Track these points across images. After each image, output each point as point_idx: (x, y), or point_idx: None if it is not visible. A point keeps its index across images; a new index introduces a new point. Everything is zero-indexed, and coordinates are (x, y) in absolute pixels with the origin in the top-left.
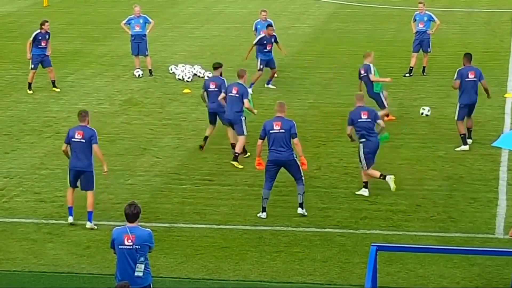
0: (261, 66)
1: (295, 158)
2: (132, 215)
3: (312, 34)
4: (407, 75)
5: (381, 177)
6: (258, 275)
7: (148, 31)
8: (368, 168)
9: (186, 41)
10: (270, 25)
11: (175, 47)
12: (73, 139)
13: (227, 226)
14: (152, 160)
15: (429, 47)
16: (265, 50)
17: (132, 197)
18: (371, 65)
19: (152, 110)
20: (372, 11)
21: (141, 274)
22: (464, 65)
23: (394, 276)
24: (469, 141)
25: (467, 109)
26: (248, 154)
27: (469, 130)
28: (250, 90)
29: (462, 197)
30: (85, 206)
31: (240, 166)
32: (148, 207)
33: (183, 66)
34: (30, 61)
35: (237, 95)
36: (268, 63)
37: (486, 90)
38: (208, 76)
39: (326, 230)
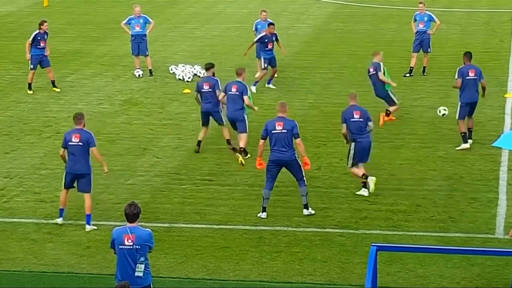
0: (265, 65)
1: (297, 159)
2: (132, 215)
3: (312, 34)
4: (407, 75)
5: (363, 177)
6: (258, 275)
7: (148, 31)
8: (352, 167)
9: (186, 41)
10: (271, 23)
11: (175, 47)
12: (70, 143)
13: (227, 226)
14: (152, 160)
15: (429, 47)
16: (267, 48)
17: (132, 197)
18: (381, 63)
19: (152, 110)
20: (372, 11)
21: (141, 274)
22: (464, 64)
23: (394, 276)
24: (469, 141)
25: (468, 108)
26: (249, 155)
27: (469, 130)
28: (254, 89)
29: (462, 197)
30: (85, 206)
31: (244, 161)
32: (148, 207)
33: (183, 66)
34: (30, 61)
35: (237, 93)
36: (270, 61)
37: (483, 89)
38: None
39: (326, 230)
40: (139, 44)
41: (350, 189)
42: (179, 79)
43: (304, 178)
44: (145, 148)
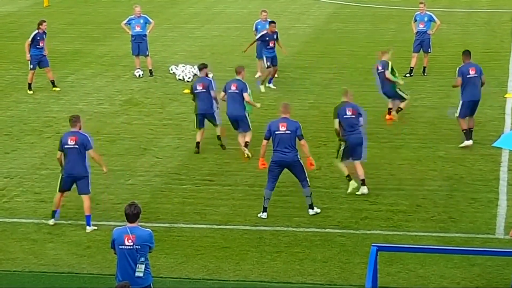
0: (268, 64)
1: (300, 160)
2: (132, 215)
3: (312, 34)
4: (408, 75)
5: (347, 178)
6: (258, 275)
7: (148, 31)
8: (342, 161)
9: (186, 41)
10: (272, 22)
11: (175, 47)
12: (66, 146)
13: (228, 226)
14: (153, 160)
15: (430, 47)
16: (269, 47)
17: (133, 197)
18: (389, 62)
19: (152, 110)
20: (372, 11)
21: (141, 274)
22: (464, 62)
23: (394, 277)
24: (470, 141)
25: (470, 106)
26: (247, 153)
27: (470, 130)
28: (262, 88)
29: (462, 197)
30: (84, 208)
31: (250, 154)
32: (149, 207)
33: (183, 66)
34: (29, 61)
35: (236, 91)
36: (272, 60)
37: (481, 85)
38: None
39: (327, 230)
40: (139, 44)
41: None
42: (179, 79)
43: (307, 179)
44: (145, 148)
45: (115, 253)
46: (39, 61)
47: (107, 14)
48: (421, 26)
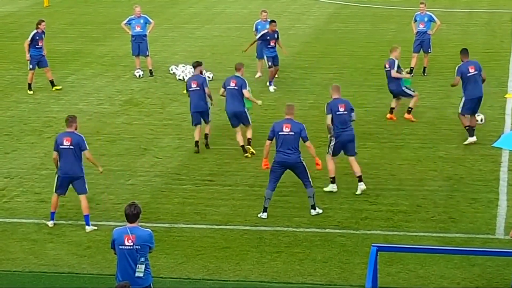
0: (270, 63)
1: (302, 161)
2: (132, 215)
3: (312, 35)
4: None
5: (331, 179)
6: (258, 275)
7: (148, 31)
8: (332, 157)
9: (186, 41)
10: (273, 21)
11: (175, 47)
12: (61, 146)
13: (228, 227)
14: (153, 160)
15: (430, 47)
16: (269, 46)
17: (133, 198)
18: (396, 60)
19: (152, 110)
20: (372, 11)
21: (141, 274)
22: (462, 61)
23: (394, 277)
24: (474, 138)
25: (473, 104)
26: (248, 154)
27: (472, 128)
28: (272, 89)
29: (462, 197)
30: (82, 208)
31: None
32: (149, 207)
33: (183, 66)
34: (29, 62)
35: (236, 88)
36: (273, 59)
37: (483, 81)
38: (208, 76)
39: (327, 230)
40: (139, 44)
41: (351, 190)
42: (180, 79)
43: (310, 180)
44: (146, 148)
45: (115, 253)
46: (38, 61)
47: (107, 14)
48: (421, 26)
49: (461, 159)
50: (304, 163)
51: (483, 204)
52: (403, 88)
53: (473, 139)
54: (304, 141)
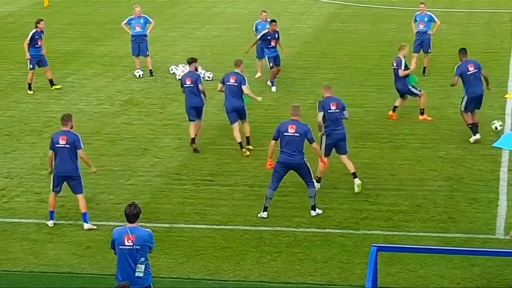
0: (271, 64)
1: (306, 162)
2: (132, 215)
3: (312, 35)
4: None
5: (317, 179)
6: (258, 275)
7: (148, 31)
8: (325, 156)
9: (186, 41)
10: (273, 20)
11: (175, 47)
12: (57, 145)
13: (228, 227)
14: (153, 160)
15: (430, 47)
16: (270, 46)
17: (133, 198)
18: (403, 59)
19: (152, 110)
20: (373, 11)
21: (141, 274)
22: (461, 61)
23: (394, 277)
24: (477, 135)
25: (475, 101)
26: (247, 152)
27: (475, 124)
28: (274, 89)
29: (462, 197)
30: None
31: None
32: (149, 207)
33: (183, 66)
34: (28, 61)
35: (235, 84)
36: (275, 59)
37: (486, 80)
38: (208, 76)
39: (327, 230)
40: (139, 44)
41: (351, 190)
42: (180, 79)
43: (313, 180)
44: (146, 148)
45: (115, 253)
46: (38, 61)
47: (108, 14)
48: (421, 26)
49: (461, 159)
50: (307, 164)
51: (483, 204)
52: (410, 87)
53: (478, 137)
54: (310, 143)
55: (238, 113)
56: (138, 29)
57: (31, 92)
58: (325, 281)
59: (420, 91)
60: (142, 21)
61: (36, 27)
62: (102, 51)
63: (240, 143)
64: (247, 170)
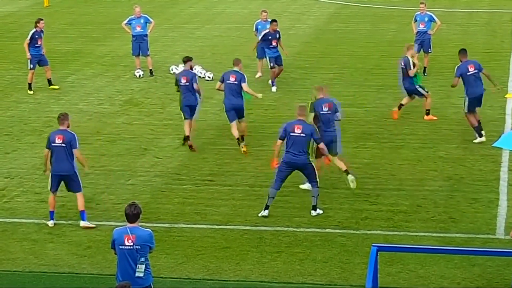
0: (272, 64)
1: (311, 162)
2: (132, 215)
3: (312, 35)
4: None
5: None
6: (258, 275)
7: (149, 31)
8: (316, 158)
9: (186, 41)
10: (274, 20)
11: (175, 47)
12: (53, 144)
13: (228, 227)
14: (153, 160)
15: (430, 47)
16: (271, 46)
17: (133, 198)
18: (411, 59)
19: (152, 110)
20: (373, 11)
21: (141, 274)
22: (461, 61)
23: (395, 277)
24: (482, 132)
25: (476, 101)
26: (244, 148)
27: (480, 126)
28: (274, 89)
29: (463, 197)
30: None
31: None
32: (149, 207)
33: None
34: (29, 61)
35: (235, 82)
36: (276, 60)
37: (489, 78)
38: (209, 77)
39: (327, 230)
40: (140, 44)
41: (351, 190)
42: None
43: (317, 180)
44: (146, 148)
45: (115, 253)
46: (39, 60)
47: (108, 14)
48: (421, 26)
49: (462, 159)
50: (312, 164)
51: (484, 204)
52: (417, 86)
53: (483, 139)
54: (317, 143)
55: (237, 112)
56: (138, 29)
57: (31, 92)
58: (326, 281)
59: (427, 91)
60: (142, 21)
61: (35, 26)
62: (102, 51)
63: (237, 138)
64: (247, 170)
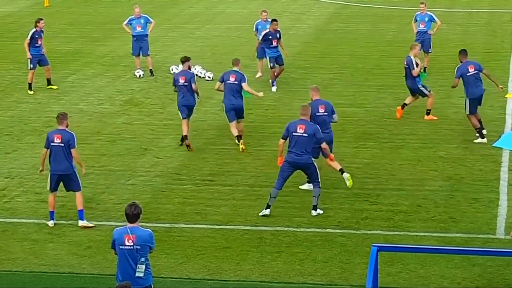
0: (272, 64)
1: (313, 162)
2: (132, 215)
3: (312, 35)
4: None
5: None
6: (259, 275)
7: (149, 31)
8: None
9: (187, 41)
10: (274, 20)
11: (175, 47)
12: (52, 144)
13: (228, 227)
14: (153, 160)
15: (430, 47)
16: (272, 46)
17: (133, 198)
18: (413, 58)
19: (153, 110)
20: (373, 11)
21: (142, 274)
22: (461, 62)
23: (395, 277)
24: (483, 131)
25: (476, 103)
26: (242, 146)
27: (481, 127)
28: (274, 89)
29: (463, 197)
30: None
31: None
32: (149, 207)
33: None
34: (29, 61)
35: (236, 82)
36: (277, 59)
37: (490, 78)
38: (209, 77)
39: (327, 230)
40: (140, 44)
41: (351, 190)
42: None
43: (319, 180)
44: (146, 148)
45: (115, 253)
46: (39, 60)
47: (108, 14)
48: (421, 26)
49: (462, 159)
50: (315, 164)
51: (484, 204)
52: (420, 85)
53: (484, 141)
54: (320, 143)
55: (236, 112)
56: (139, 29)
57: (32, 92)
58: (326, 281)
59: (429, 91)
60: (142, 21)
61: (35, 26)
62: (103, 51)
63: (236, 136)
64: (248, 170)
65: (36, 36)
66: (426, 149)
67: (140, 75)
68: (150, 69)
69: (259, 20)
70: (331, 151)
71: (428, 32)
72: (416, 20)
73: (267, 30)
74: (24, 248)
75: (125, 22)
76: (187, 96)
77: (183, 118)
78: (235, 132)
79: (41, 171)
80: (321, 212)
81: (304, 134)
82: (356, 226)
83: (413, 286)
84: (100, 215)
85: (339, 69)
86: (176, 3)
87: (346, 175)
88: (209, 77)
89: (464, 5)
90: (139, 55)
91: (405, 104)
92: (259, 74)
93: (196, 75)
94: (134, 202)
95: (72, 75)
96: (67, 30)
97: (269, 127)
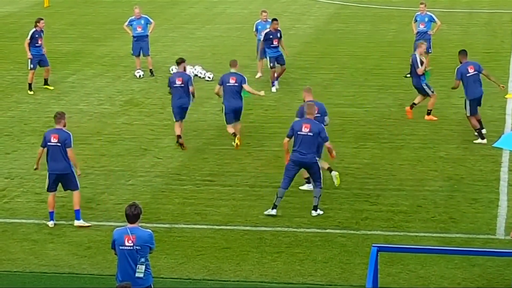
0: (271, 64)
1: (317, 162)
2: (132, 215)
3: (313, 35)
4: (408, 75)
5: (306, 179)
6: (259, 275)
7: (149, 31)
8: None
9: (187, 41)
10: (275, 19)
11: (176, 47)
12: (49, 143)
13: (228, 227)
14: (153, 160)
15: (430, 47)
16: (272, 45)
17: (133, 198)
18: (418, 57)
19: (153, 110)
20: (373, 11)
21: (141, 275)
22: (461, 62)
23: (395, 277)
24: (483, 131)
25: (476, 103)
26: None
27: (481, 128)
28: (274, 89)
29: (463, 197)
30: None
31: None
32: (149, 207)
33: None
34: (29, 61)
35: (236, 84)
36: (277, 59)
37: (490, 78)
38: (209, 77)
39: (327, 231)
40: (141, 45)
41: (351, 190)
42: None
43: (321, 181)
44: (146, 148)
45: (115, 254)
46: (40, 60)
47: (108, 14)
48: (421, 27)
49: (462, 159)
50: (318, 164)
51: (484, 204)
52: (423, 84)
53: (484, 142)
54: (324, 142)
55: (235, 114)
56: (139, 30)
57: (32, 92)
58: (326, 282)
59: (433, 92)
60: (143, 22)
61: (35, 26)
62: (103, 51)
63: (233, 133)
64: (248, 170)
65: (36, 36)
66: (426, 149)
67: (140, 76)
68: (150, 70)
69: (259, 20)
70: (321, 153)
71: (428, 32)
72: (416, 21)
73: (268, 30)
74: (24, 249)
75: (126, 23)
76: (183, 97)
77: (176, 121)
78: (231, 130)
79: (35, 169)
80: (321, 212)
81: (309, 133)
82: (356, 227)
83: (413, 286)
84: (100, 216)
85: (339, 69)
86: (176, 3)
87: (334, 173)
88: (209, 77)
89: (464, 5)
90: (139, 55)
91: (414, 104)
92: (259, 75)
93: (196, 75)
94: (134, 202)
95: (72, 75)
96: (67, 30)
97: (269, 127)
